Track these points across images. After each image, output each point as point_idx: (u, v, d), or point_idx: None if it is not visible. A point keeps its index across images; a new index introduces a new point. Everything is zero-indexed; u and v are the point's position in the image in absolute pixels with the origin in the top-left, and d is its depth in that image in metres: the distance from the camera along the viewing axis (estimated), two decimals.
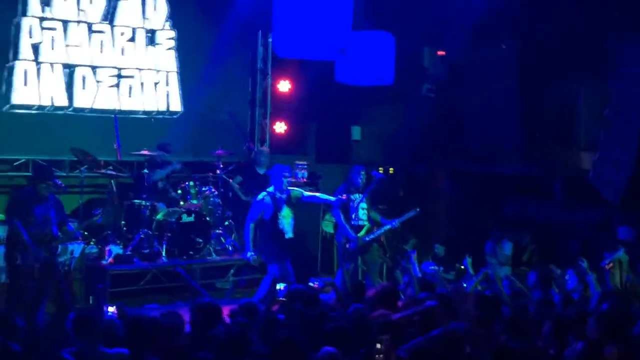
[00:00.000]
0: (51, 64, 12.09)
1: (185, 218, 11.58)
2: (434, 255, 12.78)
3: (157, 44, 13.16)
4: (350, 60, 11.28)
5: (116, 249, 11.11)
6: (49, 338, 6.13)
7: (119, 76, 12.72)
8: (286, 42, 10.07)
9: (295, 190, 10.49)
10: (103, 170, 11.56)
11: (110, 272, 10.71)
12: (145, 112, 13.00)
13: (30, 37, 11.92)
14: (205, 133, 13.34)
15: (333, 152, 14.92)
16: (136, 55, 12.94)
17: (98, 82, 12.51)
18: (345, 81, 12.09)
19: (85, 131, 12.21)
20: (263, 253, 10.44)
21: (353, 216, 10.90)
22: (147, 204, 11.51)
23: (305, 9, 9.86)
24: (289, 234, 10.28)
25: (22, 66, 11.87)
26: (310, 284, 10.20)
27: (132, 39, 12.90)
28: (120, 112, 12.55)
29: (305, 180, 13.07)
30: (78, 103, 12.33)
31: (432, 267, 11.26)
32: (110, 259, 10.92)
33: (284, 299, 7.49)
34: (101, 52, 12.58)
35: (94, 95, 12.44)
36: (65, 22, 12.20)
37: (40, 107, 12.03)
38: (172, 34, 13.27)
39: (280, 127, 14.50)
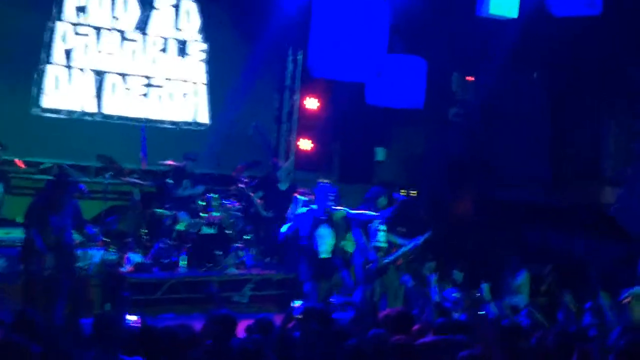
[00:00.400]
0: (82, 69, 12.23)
1: (206, 230, 11.61)
2: (452, 280, 12.72)
3: (188, 55, 13.26)
4: (382, 82, 11.29)
5: (135, 257, 11.14)
6: (68, 340, 6.16)
7: (149, 85, 12.83)
8: (321, 62, 10.08)
9: (340, 211, 10.29)
10: (127, 178, 11.63)
11: (129, 280, 10.74)
12: (172, 122, 13.09)
13: (64, 42, 12.05)
14: (230, 146, 13.38)
15: (356, 172, 14.91)
16: (167, 65, 13.04)
17: (127, 89, 12.62)
18: (375, 103, 12.11)
19: (112, 138, 12.30)
20: (296, 270, 10.47)
21: (373, 237, 10.87)
22: (169, 213, 11.56)
23: (342, 30, 9.86)
24: (324, 254, 10.15)
25: (54, 70, 11.99)
26: (331, 300, 10.14)
27: (164, 49, 13.01)
28: (148, 121, 12.65)
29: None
30: (107, 110, 12.44)
31: (455, 294, 11.19)
32: (129, 267, 10.95)
33: (299, 316, 7.47)
34: (132, 60, 12.70)
35: (122, 103, 12.54)
36: (98, 29, 12.34)
37: (69, 112, 12.15)
38: (204, 46, 13.36)
39: (305, 144, 14.52)
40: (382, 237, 10.99)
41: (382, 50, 10.24)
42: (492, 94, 14.80)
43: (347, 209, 10.42)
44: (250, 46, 13.53)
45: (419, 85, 11.73)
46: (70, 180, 9.88)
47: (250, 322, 7.33)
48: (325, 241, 10.14)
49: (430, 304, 9.01)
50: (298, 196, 12.48)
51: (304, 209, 10.32)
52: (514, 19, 10.86)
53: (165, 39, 13.02)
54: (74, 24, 12.12)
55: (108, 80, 12.46)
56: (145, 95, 12.80)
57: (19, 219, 10.60)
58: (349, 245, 12.03)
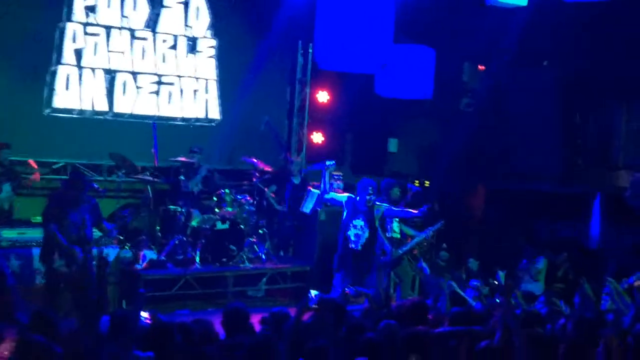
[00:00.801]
0: (93, 69, 12.26)
1: (220, 225, 11.64)
2: (467, 269, 12.72)
3: (198, 51, 13.28)
4: (391, 73, 11.29)
5: (150, 254, 11.19)
6: (87, 339, 6.20)
7: (159, 83, 12.85)
8: (328, 54, 10.09)
9: (380, 206, 10.31)
10: (140, 176, 11.67)
11: (144, 277, 10.79)
12: (183, 119, 13.13)
13: (74, 42, 12.09)
14: (242, 141, 13.41)
15: (369, 164, 14.90)
16: (177, 63, 13.07)
17: (138, 88, 12.66)
18: (384, 94, 12.11)
19: (124, 136, 12.34)
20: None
21: (388, 228, 10.88)
22: (183, 210, 11.60)
23: (347, 22, 9.88)
24: (355, 245, 10.19)
25: (65, 71, 12.04)
26: (346, 290, 10.15)
27: (174, 47, 13.03)
28: (159, 118, 12.68)
29: (341, 191, 13.05)
30: (118, 108, 12.48)
31: (475, 283, 11.18)
32: (145, 264, 11.00)
33: (315, 306, 7.48)
34: (142, 58, 12.73)
35: (133, 101, 12.60)
36: (108, 28, 12.37)
37: (81, 112, 12.20)
38: (213, 42, 13.38)
39: (317, 137, 14.52)
40: (395, 227, 11.02)
41: (389, 41, 10.24)
42: (503, 84, 14.75)
43: (388, 205, 10.41)
44: (259, 41, 13.54)
45: (428, 75, 11.73)
46: (85, 177, 9.95)
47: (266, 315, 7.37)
48: (359, 234, 10.14)
49: (445, 293, 9.00)
50: (312, 189, 12.54)
51: (344, 197, 10.35)
52: (523, 7, 10.83)
53: (175, 36, 13.04)
54: (84, 24, 12.15)
55: (119, 79, 12.50)
56: (156, 92, 12.83)
57: (35, 219, 10.69)
58: None
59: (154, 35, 12.83)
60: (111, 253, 10.65)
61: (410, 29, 12.11)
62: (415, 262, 11.82)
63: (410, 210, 10.42)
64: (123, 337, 6.18)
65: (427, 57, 11.81)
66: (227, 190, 12.10)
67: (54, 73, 11.97)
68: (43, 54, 11.92)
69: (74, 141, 12.10)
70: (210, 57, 13.40)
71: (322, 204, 12.16)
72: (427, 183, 14.69)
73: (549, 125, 14.05)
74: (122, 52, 12.53)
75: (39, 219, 10.68)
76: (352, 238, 10.14)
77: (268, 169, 12.81)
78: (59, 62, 12.01)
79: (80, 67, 12.15)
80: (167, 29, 12.94)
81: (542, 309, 9.21)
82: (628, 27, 12.21)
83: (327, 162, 10.46)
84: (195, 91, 13.27)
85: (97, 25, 12.27)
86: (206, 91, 13.39)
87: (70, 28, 12.04)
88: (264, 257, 12.17)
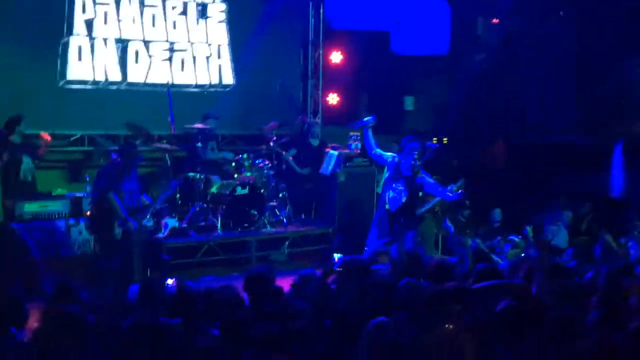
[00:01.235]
0: (104, 39, 12.17)
1: (240, 190, 11.62)
2: (490, 223, 12.67)
3: (208, 17, 13.16)
4: (406, 30, 11.19)
5: (172, 222, 11.19)
6: (117, 309, 6.23)
7: (171, 50, 12.76)
8: (341, 13, 9.99)
9: (424, 178, 9.99)
10: (157, 144, 11.62)
11: (167, 245, 10.81)
12: (197, 86, 13.05)
13: (84, 12, 11.99)
14: (257, 105, 13.34)
15: (385, 123, 14.79)
16: (188, 29, 12.96)
17: (150, 56, 12.57)
18: (400, 51, 12.00)
19: (139, 105, 12.28)
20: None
21: None
22: (202, 177, 11.58)
23: None
24: (391, 207, 10.00)
25: (76, 42, 11.96)
26: (366, 249, 10.13)
27: (184, 13, 12.92)
28: (173, 85, 12.60)
29: (358, 151, 13.00)
30: (131, 78, 12.41)
31: (513, 238, 11.10)
32: (167, 232, 11.02)
33: (339, 269, 7.47)
34: (153, 26, 12.63)
35: (147, 70, 12.52)
36: None
37: (95, 82, 12.14)
38: (223, 6, 13.26)
39: (332, 99, 14.46)
40: None
41: None
42: (518, 36, 14.60)
43: (432, 181, 10.12)
44: (270, 3, 13.43)
45: (443, 30, 11.61)
46: (136, 148, 10.10)
47: (290, 279, 7.37)
48: (397, 197, 10.00)
49: (469, 251, 8.96)
50: (330, 151, 12.49)
51: (390, 156, 10.09)
52: None
53: (185, 3, 12.92)
54: None
55: (131, 47, 12.42)
56: (168, 60, 12.74)
57: (56, 192, 10.71)
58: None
59: (163, 3, 12.72)
60: (170, 223, 10.68)
61: None
62: (437, 221, 11.79)
63: (448, 193, 10.07)
64: (150, 305, 6.20)
65: (442, 12, 11.69)
66: (245, 156, 12.08)
67: (65, 44, 11.90)
68: (55, 26, 11.83)
69: (89, 112, 12.04)
70: (221, 22, 13.28)
71: (342, 164, 12.13)
72: (445, 140, 14.62)
73: (566, 76, 13.92)
74: (133, 21, 12.44)
75: (60, 191, 10.76)
76: (389, 200, 10.02)
77: (284, 132, 12.77)
78: (70, 34, 11.93)
79: (91, 38, 12.06)
80: None
81: (570, 262, 9.15)
82: None
83: (366, 119, 10.27)
84: (207, 57, 13.17)
85: None
86: (219, 56, 13.30)
87: None
88: (285, 220, 12.17)
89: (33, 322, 5.91)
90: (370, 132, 10.07)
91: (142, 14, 12.50)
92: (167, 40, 12.74)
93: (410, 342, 5.30)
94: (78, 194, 10.75)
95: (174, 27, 12.84)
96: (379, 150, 10.14)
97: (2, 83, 11.29)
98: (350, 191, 12.54)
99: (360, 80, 14.61)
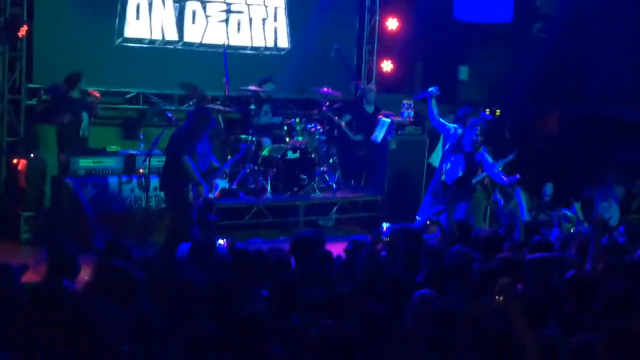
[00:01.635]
0: None
1: (291, 155, 11.66)
2: (541, 197, 12.54)
3: None
4: None
5: (222, 183, 11.22)
6: (168, 266, 6.32)
7: (228, 11, 12.74)
8: None
9: (483, 155, 9.79)
10: (211, 105, 11.68)
11: (217, 206, 10.89)
12: (253, 48, 13.04)
13: None
14: (311, 70, 13.30)
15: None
16: None
17: (207, 17, 12.58)
18: (464, 18, 11.84)
19: (194, 66, 12.33)
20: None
21: None
22: (253, 139, 11.63)
23: None
24: (446, 179, 9.89)
25: (135, 0, 12.02)
26: (418, 218, 10.11)
27: None
28: (229, 47, 12.59)
29: (411, 119, 12.93)
30: (188, 38, 12.45)
31: (564, 211, 10.98)
32: (217, 193, 11.07)
33: (387, 238, 7.49)
34: None
35: (203, 30, 12.54)
36: None
37: (151, 41, 12.20)
38: None
39: (387, 66, 14.36)
40: None
41: None
42: (579, 7, 14.31)
43: (492, 161, 9.91)
44: None
45: None
46: (210, 112, 10.11)
47: (338, 244, 7.41)
48: (454, 169, 9.92)
49: (520, 223, 8.86)
50: (382, 118, 12.44)
51: (452, 127, 9.98)
52: None
53: None
54: None
55: (188, 7, 12.44)
56: (225, 21, 12.75)
57: (110, 148, 10.83)
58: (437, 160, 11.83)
59: None
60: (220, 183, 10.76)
61: None
62: (487, 192, 11.71)
63: (503, 177, 9.87)
64: (202, 264, 6.27)
65: None
66: (297, 120, 12.09)
67: (124, 2, 11.95)
68: None
69: (145, 71, 12.12)
70: None
71: (393, 132, 12.08)
72: (498, 112, 14.46)
73: (628, 50, 13.63)
74: None
75: (114, 147, 10.87)
76: (446, 171, 9.94)
77: (338, 98, 12.75)
78: None
79: None
80: None
81: (620, 239, 9.02)
82: None
83: (430, 89, 10.19)
84: (264, 19, 13.14)
85: None
86: (275, 19, 13.26)
87: None
88: (334, 186, 12.19)
89: (84, 276, 6.03)
90: (434, 102, 9.98)
91: None
92: (224, 1, 12.73)
93: (459, 311, 5.30)
94: (131, 152, 10.83)
95: None
96: (442, 120, 10.06)
97: (60, 40, 11.38)
98: (400, 160, 12.51)
99: (415, 48, 14.50)
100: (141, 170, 10.41)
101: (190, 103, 11.91)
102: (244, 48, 12.93)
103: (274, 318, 5.27)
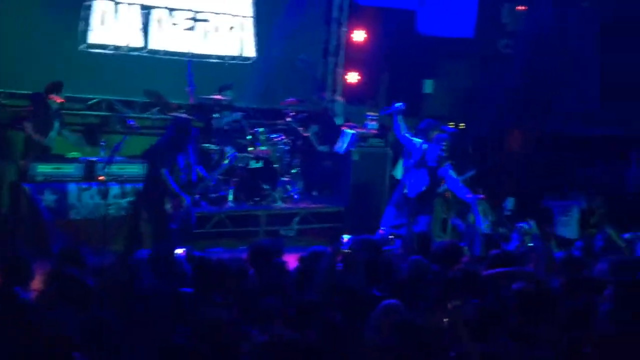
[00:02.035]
0: (128, 4, 12.15)
1: (253, 164, 11.64)
2: (501, 211, 12.62)
3: None
4: (433, 10, 11.10)
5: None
6: (124, 274, 6.26)
7: (195, 19, 12.69)
8: None
9: (447, 171, 9.97)
10: (174, 113, 11.61)
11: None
12: (218, 57, 13.00)
13: None
14: (277, 80, 13.30)
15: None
16: None
17: (174, 24, 12.53)
18: (426, 32, 11.92)
19: (159, 73, 12.26)
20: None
21: None
22: (216, 148, 11.58)
23: None
24: (409, 192, 10.01)
25: (100, 5, 11.93)
26: (381, 230, 10.12)
27: None
28: (194, 55, 12.54)
29: (375, 131, 12.95)
30: (153, 45, 12.39)
31: (522, 225, 11.07)
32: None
33: (347, 250, 7.48)
34: None
35: (169, 38, 12.48)
36: None
37: (116, 47, 12.11)
38: None
39: (353, 77, 14.40)
40: None
41: None
42: (542, 25, 14.47)
43: (456, 177, 10.11)
44: None
45: (470, 12, 11.53)
46: (191, 122, 9.99)
47: (298, 255, 7.38)
48: (416, 183, 9.96)
49: (480, 237, 8.94)
50: (346, 130, 12.46)
51: (417, 142, 10.09)
52: None
53: None
54: None
55: (154, 14, 12.38)
56: (191, 29, 12.68)
57: (70, 155, 10.70)
58: (399, 173, 11.88)
59: None
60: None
61: None
62: (447, 205, 11.77)
63: (467, 195, 10.05)
64: (161, 273, 6.22)
65: None
66: (261, 129, 12.07)
67: (89, 8, 11.86)
68: None
69: (109, 77, 12.02)
70: None
71: (356, 144, 12.09)
72: (462, 125, 14.54)
73: (587, 66, 13.81)
74: None
75: (74, 154, 10.72)
76: (409, 185, 9.99)
77: (302, 108, 12.76)
78: None
79: (115, 2, 12.03)
80: None
81: (575, 252, 9.12)
82: None
83: (396, 105, 10.26)
84: (230, 28, 13.11)
85: None
86: (242, 29, 13.25)
87: None
88: (296, 196, 12.17)
89: (38, 283, 5.96)
90: (400, 118, 10.06)
91: None
92: (190, 9, 12.69)
93: (418, 322, 5.30)
94: (92, 158, 10.71)
95: None
96: (408, 135, 10.12)
97: (22, 45, 11.26)
98: (363, 171, 12.53)
99: (381, 61, 14.55)
100: (101, 178, 10.27)
101: (154, 110, 11.82)
102: (210, 56, 12.89)
103: (234, 326, 5.24)
